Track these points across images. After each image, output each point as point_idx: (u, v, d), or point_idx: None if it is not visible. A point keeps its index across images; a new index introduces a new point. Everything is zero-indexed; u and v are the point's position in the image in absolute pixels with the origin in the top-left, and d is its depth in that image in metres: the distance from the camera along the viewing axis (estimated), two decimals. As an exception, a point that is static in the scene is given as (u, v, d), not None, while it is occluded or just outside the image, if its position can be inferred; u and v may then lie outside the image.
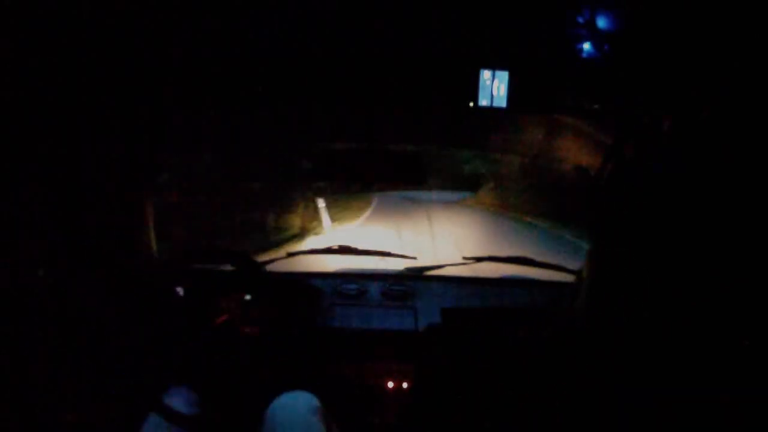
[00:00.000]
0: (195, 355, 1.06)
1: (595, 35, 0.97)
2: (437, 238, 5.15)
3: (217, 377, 1.06)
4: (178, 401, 1.02)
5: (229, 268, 1.11)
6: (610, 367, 0.38)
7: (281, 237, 5.46)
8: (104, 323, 0.87)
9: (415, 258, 1.64)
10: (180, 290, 1.14)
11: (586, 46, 0.99)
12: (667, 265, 0.34)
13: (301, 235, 5.75)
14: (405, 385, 1.37)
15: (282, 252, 1.62)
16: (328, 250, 1.62)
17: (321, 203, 7.21)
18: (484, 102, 1.06)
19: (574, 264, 1.15)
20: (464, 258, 1.62)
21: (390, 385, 1.37)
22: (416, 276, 1.59)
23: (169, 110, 1.19)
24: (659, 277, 0.35)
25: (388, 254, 1.62)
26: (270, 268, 1.42)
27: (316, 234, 5.96)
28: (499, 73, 1.04)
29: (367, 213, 8.11)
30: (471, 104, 1.06)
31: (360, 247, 1.62)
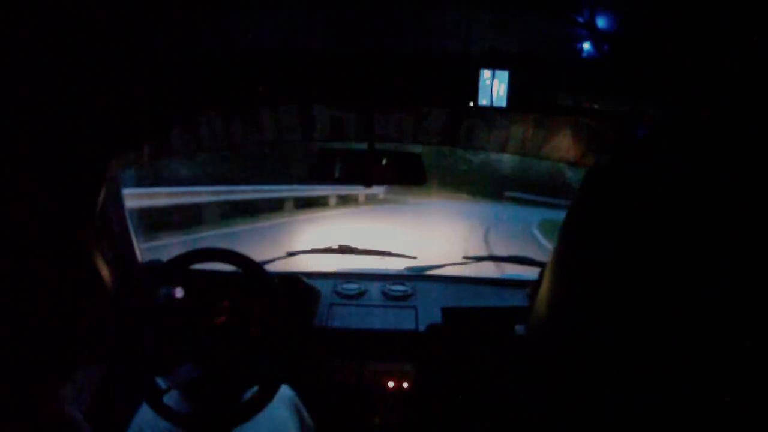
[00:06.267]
0: (194, 355, 1.06)
1: (595, 35, 0.97)
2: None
3: (216, 377, 1.06)
4: (175, 401, 1.03)
5: (229, 268, 1.11)
6: (607, 367, 0.38)
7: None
8: (100, 324, 0.87)
9: (415, 258, 1.64)
10: (179, 291, 1.14)
11: (586, 46, 0.99)
12: (663, 264, 0.34)
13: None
14: (405, 385, 1.37)
15: (282, 252, 1.62)
16: (328, 250, 1.62)
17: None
18: (484, 102, 1.06)
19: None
20: (464, 258, 1.62)
21: (390, 385, 1.37)
22: (416, 276, 1.59)
23: (167, 111, 1.19)
24: (654, 277, 0.35)
25: (388, 254, 1.62)
26: (270, 268, 1.42)
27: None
28: (499, 72, 1.04)
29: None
30: (471, 104, 1.06)
31: (360, 247, 1.62)
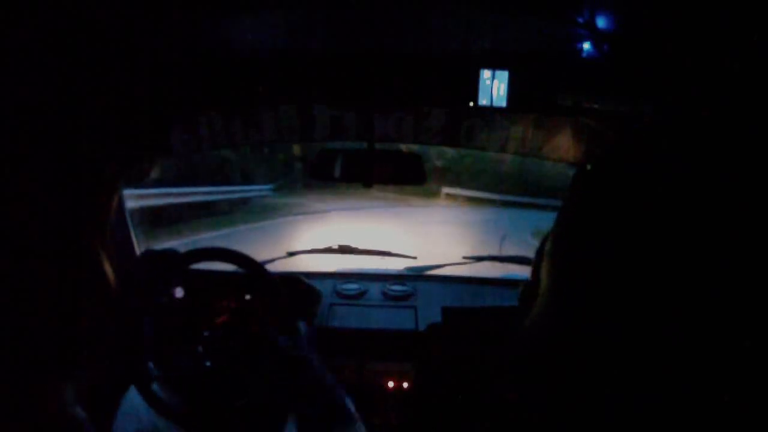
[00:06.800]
0: (194, 354, 1.06)
1: (595, 35, 0.97)
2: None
3: (216, 377, 1.06)
4: (174, 400, 1.03)
5: (229, 268, 1.11)
6: (607, 367, 0.38)
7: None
8: (97, 322, 0.87)
9: (415, 258, 1.64)
10: (179, 291, 1.14)
11: (586, 46, 0.99)
12: (662, 264, 0.34)
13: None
14: (405, 385, 1.37)
15: (282, 252, 1.63)
16: (328, 250, 1.62)
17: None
18: (484, 102, 1.06)
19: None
20: (464, 258, 1.62)
21: (390, 385, 1.37)
22: (416, 276, 1.59)
23: (167, 111, 1.19)
24: (654, 276, 0.35)
25: (388, 254, 1.62)
26: (270, 268, 1.42)
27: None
28: (499, 72, 1.04)
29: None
30: (471, 104, 1.06)
31: (360, 247, 1.63)
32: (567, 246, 0.42)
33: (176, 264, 1.06)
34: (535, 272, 0.50)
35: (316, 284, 1.45)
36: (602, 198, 0.38)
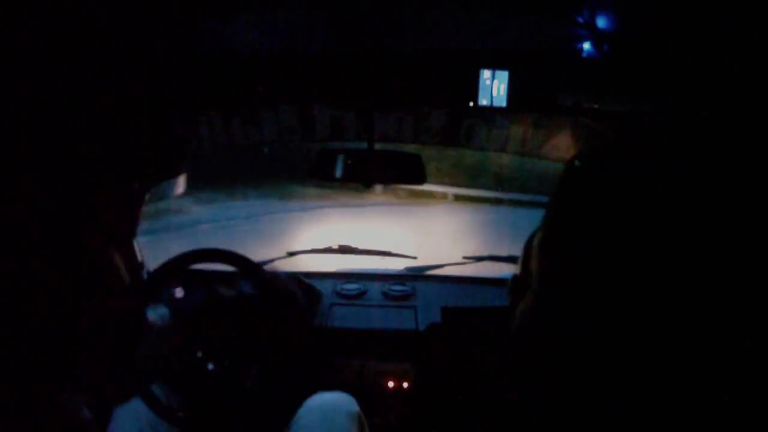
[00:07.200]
0: (194, 356, 1.06)
1: (595, 35, 0.97)
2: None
3: (216, 378, 1.06)
4: (173, 400, 1.03)
5: (229, 268, 1.11)
6: (607, 367, 0.38)
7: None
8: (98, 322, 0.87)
9: (415, 258, 1.64)
10: (179, 291, 1.14)
11: (586, 46, 1.00)
12: (662, 263, 0.34)
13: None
14: (405, 385, 1.37)
15: (282, 252, 1.63)
16: (328, 250, 1.62)
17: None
18: (484, 102, 1.06)
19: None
20: (464, 258, 1.62)
21: (390, 385, 1.37)
22: (416, 276, 1.59)
23: (167, 111, 1.19)
24: (654, 276, 0.35)
25: (388, 254, 1.62)
26: (270, 268, 1.42)
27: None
28: (499, 72, 1.04)
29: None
30: (471, 104, 1.07)
31: (360, 247, 1.62)
32: (562, 244, 0.41)
33: (175, 266, 1.06)
34: (524, 265, 0.50)
35: (316, 284, 1.44)
36: (601, 198, 0.38)
